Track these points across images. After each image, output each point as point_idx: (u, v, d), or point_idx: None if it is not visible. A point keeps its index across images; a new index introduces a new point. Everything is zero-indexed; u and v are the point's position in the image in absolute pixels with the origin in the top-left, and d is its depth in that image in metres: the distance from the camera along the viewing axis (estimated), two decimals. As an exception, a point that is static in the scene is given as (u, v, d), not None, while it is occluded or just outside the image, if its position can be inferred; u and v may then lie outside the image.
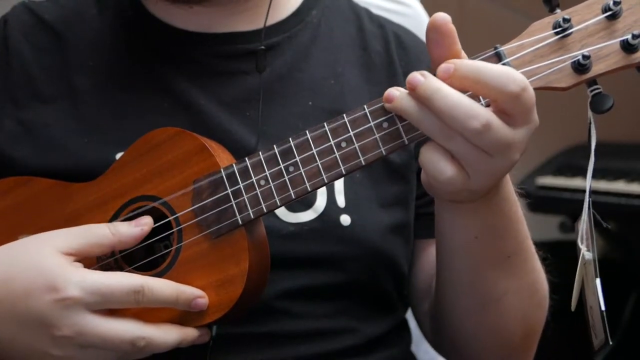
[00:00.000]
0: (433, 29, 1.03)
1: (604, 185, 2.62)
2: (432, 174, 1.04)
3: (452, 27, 1.03)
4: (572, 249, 1.11)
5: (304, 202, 1.24)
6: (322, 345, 1.24)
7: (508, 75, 1.00)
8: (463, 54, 1.05)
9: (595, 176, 2.77)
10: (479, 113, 1.00)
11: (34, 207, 1.22)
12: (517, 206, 1.19)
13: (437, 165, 1.03)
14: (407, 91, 1.03)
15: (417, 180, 1.30)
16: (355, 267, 1.26)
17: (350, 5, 1.43)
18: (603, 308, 1.05)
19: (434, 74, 1.04)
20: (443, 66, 1.02)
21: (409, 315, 1.41)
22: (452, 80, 1.01)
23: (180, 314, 1.12)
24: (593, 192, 2.72)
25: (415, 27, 1.53)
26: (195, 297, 1.11)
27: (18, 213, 1.23)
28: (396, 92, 1.04)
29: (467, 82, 1.01)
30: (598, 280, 1.06)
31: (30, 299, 1.08)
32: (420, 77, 1.01)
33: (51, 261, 1.09)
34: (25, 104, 1.30)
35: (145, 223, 1.14)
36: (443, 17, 1.02)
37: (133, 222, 1.14)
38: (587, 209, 1.06)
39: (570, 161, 2.78)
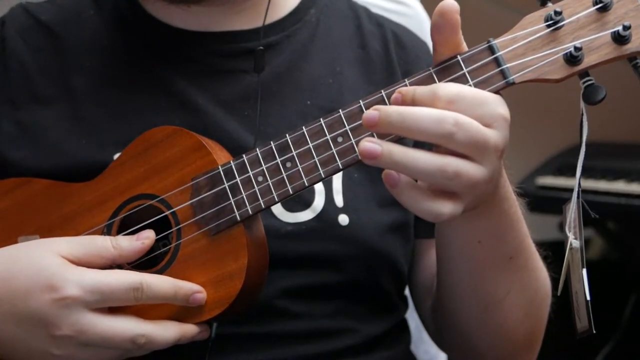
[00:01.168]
0: (438, 14, 1.03)
1: (604, 185, 2.61)
2: (431, 218, 1.02)
3: (456, 18, 1.03)
4: (571, 248, 1.11)
5: (302, 201, 1.25)
6: (322, 345, 1.25)
7: (432, 92, 1.00)
8: (464, 45, 1.05)
9: (595, 176, 2.78)
10: (444, 114, 0.98)
11: (33, 207, 1.23)
12: (516, 205, 1.18)
13: (432, 208, 1.01)
14: (386, 144, 1.00)
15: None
16: (353, 266, 1.26)
17: (349, 4, 1.44)
18: (588, 298, 1.05)
19: (436, 63, 1.05)
20: (369, 113, 1.01)
21: (409, 315, 1.41)
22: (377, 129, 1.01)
23: (180, 311, 1.12)
24: (593, 192, 2.71)
25: (415, 27, 1.53)
26: (193, 292, 1.11)
27: (17, 213, 1.23)
28: (377, 147, 1.00)
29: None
30: (584, 270, 1.06)
31: (30, 298, 1.08)
32: (374, 112, 1.00)
33: (50, 261, 1.10)
34: (23, 106, 1.31)
35: (146, 237, 1.14)
36: (451, 5, 1.02)
37: (135, 237, 1.14)
38: (576, 197, 1.07)
39: (570, 161, 2.76)
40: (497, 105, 1.02)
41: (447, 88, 1.01)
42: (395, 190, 1.01)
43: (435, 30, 1.04)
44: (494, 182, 1.06)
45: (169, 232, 1.15)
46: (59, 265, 1.09)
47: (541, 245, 1.29)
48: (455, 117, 0.98)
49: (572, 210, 1.08)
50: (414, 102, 1.01)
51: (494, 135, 1.01)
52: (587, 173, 2.60)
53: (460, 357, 1.40)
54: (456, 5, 1.03)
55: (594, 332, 1.06)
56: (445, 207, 1.01)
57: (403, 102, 1.01)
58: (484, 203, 1.09)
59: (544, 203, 2.62)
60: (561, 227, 2.81)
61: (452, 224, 1.17)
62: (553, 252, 1.32)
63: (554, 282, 1.30)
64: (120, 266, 1.16)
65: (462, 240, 1.18)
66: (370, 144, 0.99)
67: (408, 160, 0.99)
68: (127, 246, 1.13)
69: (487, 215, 1.13)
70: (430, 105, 1.00)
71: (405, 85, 1.05)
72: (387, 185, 1.01)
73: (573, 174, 2.72)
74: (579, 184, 1.07)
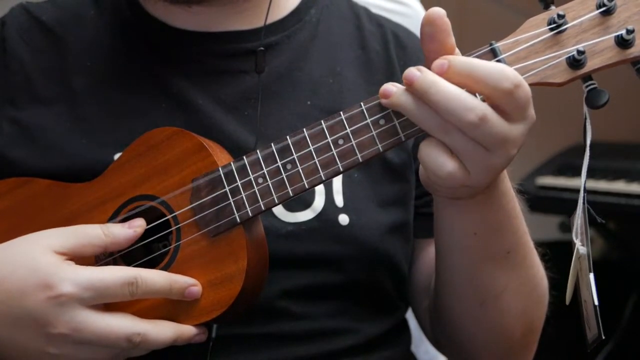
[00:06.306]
0: (428, 23, 1.03)
1: (604, 185, 2.61)
2: (432, 169, 1.04)
3: (447, 21, 1.03)
4: (572, 249, 1.11)
5: (302, 202, 1.24)
6: (322, 345, 1.25)
7: (501, 71, 1.00)
8: (457, 49, 1.05)
9: (595, 176, 2.77)
10: (475, 106, 1.00)
11: (33, 207, 1.23)
12: (515, 201, 1.19)
13: (437, 160, 1.03)
14: (404, 87, 1.03)
15: (416, 180, 1.30)
16: (354, 266, 1.26)
17: (349, 4, 1.44)
18: (596, 303, 1.05)
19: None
20: (437, 62, 1.02)
21: (409, 315, 1.41)
22: (446, 76, 1.02)
23: (178, 312, 1.12)
24: (593, 192, 2.71)
25: (415, 27, 1.52)
26: (188, 286, 1.11)
27: (17, 214, 1.23)
28: (393, 88, 1.04)
29: (460, 78, 1.01)
30: (592, 275, 1.06)
31: (25, 298, 1.08)
32: (416, 72, 1.02)
33: (44, 259, 1.09)
34: (23, 106, 1.31)
35: (138, 225, 1.14)
36: (438, 11, 1.03)
37: (127, 224, 1.14)
38: (582, 203, 1.07)
39: (570, 161, 2.77)
40: (532, 106, 1.04)
41: (515, 72, 1.02)
42: None
43: (428, 39, 1.04)
44: (497, 173, 1.08)
45: (168, 231, 1.15)
46: (53, 263, 1.09)
47: (541, 245, 1.29)
48: (484, 112, 1.00)
49: (578, 217, 1.07)
50: (472, 73, 1.01)
51: (517, 133, 1.03)
52: (587, 173, 2.59)
53: (457, 357, 1.40)
54: (442, 11, 1.03)
55: (603, 337, 1.06)
56: (449, 163, 1.03)
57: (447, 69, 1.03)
58: (480, 194, 1.10)
59: (544, 203, 2.63)
60: (561, 227, 2.82)
61: (448, 214, 1.18)
62: (553, 252, 1.32)
63: (552, 282, 1.30)
64: (117, 263, 1.16)
65: (458, 231, 1.18)
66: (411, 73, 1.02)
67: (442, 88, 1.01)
68: (118, 233, 1.13)
69: (484, 207, 1.14)
70: (496, 82, 1.00)
71: None
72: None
73: (573, 174, 2.74)
74: (584, 188, 1.07)
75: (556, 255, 1.30)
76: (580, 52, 1.02)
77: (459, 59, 1.02)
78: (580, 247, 1.08)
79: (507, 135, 1.02)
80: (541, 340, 1.35)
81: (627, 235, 3.07)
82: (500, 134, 1.01)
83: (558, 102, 2.10)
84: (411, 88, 1.02)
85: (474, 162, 1.03)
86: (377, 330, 1.30)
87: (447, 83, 1.01)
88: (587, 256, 1.07)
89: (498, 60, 1.04)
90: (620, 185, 2.61)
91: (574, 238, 1.08)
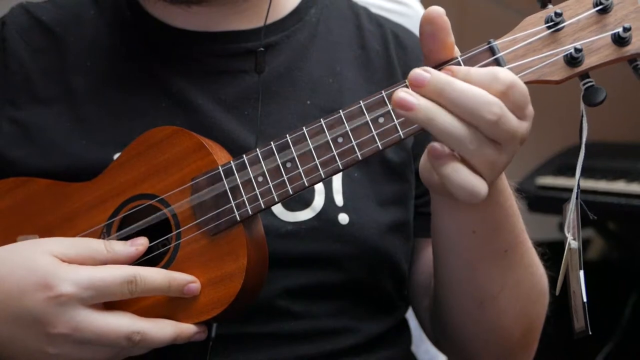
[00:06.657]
0: (427, 22, 1.03)
1: (604, 185, 2.61)
2: (467, 195, 1.02)
3: (447, 20, 1.03)
4: (571, 249, 1.11)
5: (302, 201, 1.25)
6: (322, 345, 1.25)
7: (492, 74, 1.00)
8: (456, 48, 1.06)
9: (595, 176, 2.78)
10: (494, 101, 1.00)
11: (33, 207, 1.23)
12: (512, 200, 1.19)
13: (475, 187, 1.01)
14: (424, 98, 1.00)
15: (416, 179, 1.30)
16: (354, 266, 1.26)
17: (349, 4, 1.44)
18: (585, 300, 1.06)
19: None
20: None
21: (409, 315, 1.41)
22: None
23: (178, 310, 1.12)
24: (593, 192, 2.71)
25: (415, 27, 1.52)
26: (187, 283, 1.11)
27: (17, 213, 1.23)
28: (414, 100, 1.00)
29: None
30: (581, 272, 1.06)
31: (24, 298, 1.08)
32: (425, 74, 1.00)
33: (43, 260, 1.10)
34: (23, 106, 1.31)
35: (140, 243, 1.14)
36: (437, 9, 1.03)
37: (129, 242, 1.14)
38: (575, 198, 1.07)
39: (570, 161, 2.76)
40: (530, 103, 1.04)
41: (507, 73, 1.02)
42: (439, 162, 1.02)
43: (428, 38, 1.04)
44: (501, 170, 1.08)
45: (169, 233, 1.15)
46: (52, 263, 1.09)
47: (540, 245, 1.29)
48: (502, 107, 1.00)
49: (571, 211, 1.08)
50: (467, 79, 1.01)
51: (524, 129, 1.03)
52: (587, 173, 2.58)
53: (457, 356, 1.40)
54: (441, 9, 1.03)
55: (590, 333, 1.07)
56: (482, 185, 1.02)
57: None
58: None
59: (544, 203, 2.62)
60: (561, 227, 2.82)
61: (447, 214, 1.18)
62: (553, 252, 1.32)
63: (553, 281, 1.30)
64: None
65: (457, 230, 1.18)
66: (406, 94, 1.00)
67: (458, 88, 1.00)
68: (120, 250, 1.13)
69: (482, 206, 1.13)
70: (486, 86, 1.00)
71: (406, 86, 1.05)
72: (431, 156, 1.02)
73: (573, 174, 2.72)
74: (578, 185, 1.07)
75: (556, 254, 1.30)
76: (577, 50, 1.03)
77: (460, 68, 1.02)
78: (572, 241, 1.08)
79: (518, 130, 1.02)
80: (541, 340, 1.35)
81: (627, 235, 3.07)
82: (514, 128, 1.01)
83: (558, 102, 2.10)
84: (423, 90, 1.00)
85: (489, 164, 1.02)
86: (377, 329, 1.30)
87: (461, 82, 1.00)
88: (577, 251, 1.08)
89: (496, 58, 1.04)
90: (620, 185, 2.61)
91: (566, 232, 1.09)
